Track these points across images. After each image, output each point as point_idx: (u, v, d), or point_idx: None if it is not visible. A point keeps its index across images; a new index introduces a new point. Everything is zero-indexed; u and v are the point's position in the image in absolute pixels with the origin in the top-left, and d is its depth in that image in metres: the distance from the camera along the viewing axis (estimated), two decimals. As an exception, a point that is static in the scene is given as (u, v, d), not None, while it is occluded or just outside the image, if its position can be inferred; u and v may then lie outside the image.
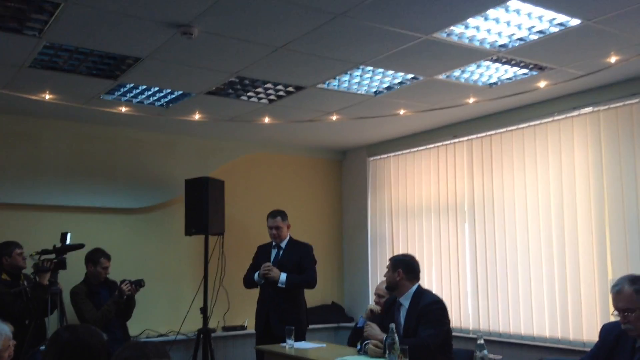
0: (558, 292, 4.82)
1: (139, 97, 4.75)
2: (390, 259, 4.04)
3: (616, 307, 2.84)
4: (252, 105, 4.95)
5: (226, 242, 5.73)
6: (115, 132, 5.72)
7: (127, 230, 5.78)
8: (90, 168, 5.58)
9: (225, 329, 6.02)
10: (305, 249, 5.08)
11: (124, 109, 4.97)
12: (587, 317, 4.60)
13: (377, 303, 4.54)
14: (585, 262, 4.65)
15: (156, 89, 4.57)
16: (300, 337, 4.67)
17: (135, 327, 5.40)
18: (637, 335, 2.79)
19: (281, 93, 4.66)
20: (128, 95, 4.70)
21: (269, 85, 4.47)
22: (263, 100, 4.84)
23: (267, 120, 5.38)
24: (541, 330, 4.92)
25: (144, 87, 4.52)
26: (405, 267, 3.91)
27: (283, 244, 5.05)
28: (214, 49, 3.71)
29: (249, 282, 5.14)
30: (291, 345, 4.25)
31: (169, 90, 4.62)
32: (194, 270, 5.95)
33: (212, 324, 5.62)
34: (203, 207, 5.32)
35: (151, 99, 4.81)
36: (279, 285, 4.86)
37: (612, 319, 2.96)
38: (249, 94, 4.68)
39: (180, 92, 4.66)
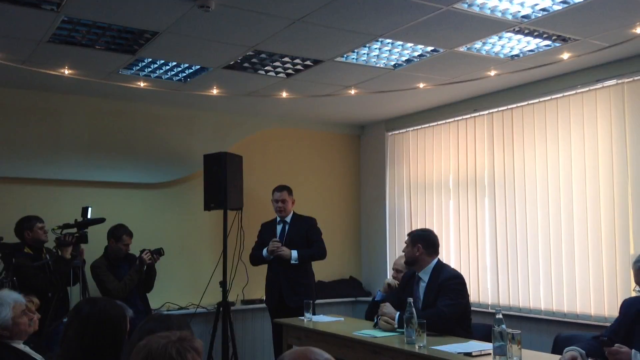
0: (578, 267, 4.78)
1: (157, 72, 4.75)
2: (409, 234, 4.03)
3: (638, 283, 2.81)
4: (270, 79, 4.92)
5: (245, 216, 5.75)
6: (134, 107, 5.74)
7: (146, 205, 5.83)
8: (109, 143, 5.61)
9: (244, 302, 6.08)
10: (310, 222, 5.19)
11: (142, 84, 4.98)
12: (609, 292, 4.56)
13: (394, 277, 4.56)
14: (607, 237, 4.60)
15: (174, 63, 4.56)
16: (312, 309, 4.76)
17: (156, 300, 5.49)
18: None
19: (299, 67, 4.62)
20: (146, 70, 4.70)
21: (286, 59, 4.43)
22: (281, 75, 4.81)
23: (284, 94, 5.35)
24: (560, 306, 4.89)
25: (162, 61, 4.52)
26: (424, 242, 3.90)
27: (288, 219, 5.16)
28: (231, 22, 3.68)
29: (256, 259, 5.24)
30: (309, 318, 4.29)
31: (186, 65, 4.61)
32: (213, 244, 5.99)
33: (231, 298, 5.68)
34: (221, 182, 5.34)
35: (169, 73, 4.81)
36: (292, 262, 4.94)
37: (634, 294, 2.93)
38: (266, 68, 4.64)
39: (198, 67, 4.64)
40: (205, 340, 5.43)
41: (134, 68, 4.65)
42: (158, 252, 5.11)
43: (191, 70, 4.74)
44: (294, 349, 1.47)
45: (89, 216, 4.78)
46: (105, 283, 4.84)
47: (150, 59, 4.45)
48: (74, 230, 4.66)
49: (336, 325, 4.17)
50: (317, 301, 6.11)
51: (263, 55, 4.35)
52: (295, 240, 5.03)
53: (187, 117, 6.02)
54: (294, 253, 4.94)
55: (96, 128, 5.56)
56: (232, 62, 4.48)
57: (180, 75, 4.85)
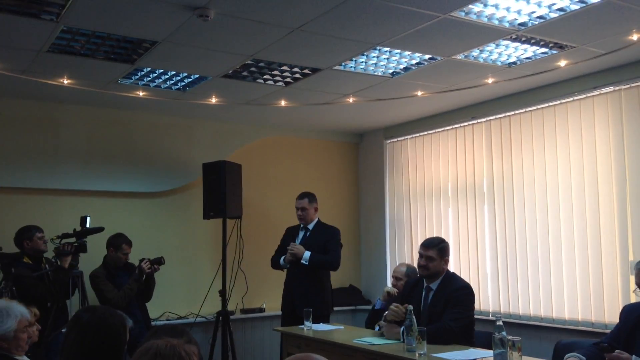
0: (579, 274, 4.78)
1: (156, 81, 4.77)
2: (434, 245, 3.83)
3: (639, 285, 2.81)
4: (269, 88, 4.94)
5: (244, 225, 5.75)
6: (133, 117, 5.75)
7: (145, 214, 5.83)
8: (108, 152, 5.62)
9: (243, 311, 6.07)
10: (331, 232, 5.13)
11: (141, 94, 4.99)
12: (609, 298, 4.55)
13: (394, 286, 4.55)
14: (607, 244, 4.60)
15: (173, 72, 4.58)
16: (324, 319, 4.76)
17: (155, 309, 5.48)
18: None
19: (297, 75, 4.64)
20: (145, 79, 4.71)
21: (285, 67, 4.45)
22: (279, 83, 4.83)
23: (283, 103, 5.36)
24: (560, 313, 4.88)
25: (161, 71, 4.53)
26: (448, 254, 3.88)
27: (310, 226, 5.12)
28: (230, 31, 3.70)
29: (275, 264, 5.24)
30: (309, 327, 4.28)
31: (185, 74, 4.62)
32: (212, 253, 5.99)
33: (230, 307, 5.67)
34: (221, 190, 5.34)
35: (168, 82, 4.82)
36: (302, 262, 4.91)
37: (633, 296, 2.93)
38: (265, 76, 4.66)
39: (197, 76, 4.66)
40: (204, 350, 5.41)
41: (133, 77, 4.66)
42: (158, 262, 5.09)
43: (190, 80, 4.75)
44: (295, 355, 1.47)
45: (87, 225, 4.78)
46: (105, 292, 4.82)
47: (149, 69, 4.46)
48: (73, 239, 4.65)
49: (336, 333, 4.16)
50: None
51: (262, 64, 4.37)
52: (313, 248, 4.96)
53: (186, 126, 6.03)
54: (306, 254, 4.93)
55: (95, 137, 5.57)
56: (231, 71, 4.50)
57: (179, 84, 4.86)
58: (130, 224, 5.51)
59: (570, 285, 4.84)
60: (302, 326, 4.35)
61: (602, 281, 4.61)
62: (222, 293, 5.45)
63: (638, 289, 2.83)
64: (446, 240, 3.98)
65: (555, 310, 4.93)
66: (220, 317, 5.37)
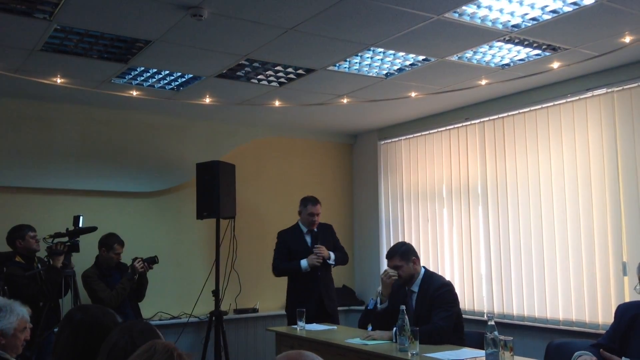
0: (572, 275, 4.79)
1: (150, 80, 4.76)
2: (395, 253, 3.89)
3: None
4: (263, 88, 4.94)
5: (237, 225, 5.75)
6: (127, 116, 5.73)
7: (138, 214, 5.82)
8: (101, 152, 5.60)
9: (237, 311, 6.06)
10: (331, 229, 5.20)
11: (134, 93, 4.98)
12: (602, 299, 4.58)
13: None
14: (600, 244, 4.62)
15: (166, 72, 4.57)
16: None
17: (147, 309, 5.47)
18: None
19: (291, 76, 4.64)
20: (139, 78, 4.70)
21: (279, 67, 4.45)
22: (273, 83, 4.83)
23: (277, 103, 5.36)
24: (555, 313, 4.90)
25: (155, 70, 4.52)
26: (414, 254, 3.90)
27: (315, 228, 5.07)
28: (224, 31, 3.70)
29: (285, 271, 5.04)
30: (302, 327, 4.28)
31: (179, 74, 4.62)
32: (205, 253, 5.99)
33: (224, 307, 5.66)
34: (214, 190, 5.34)
35: (162, 82, 4.81)
36: (330, 262, 4.94)
37: (627, 297, 2.94)
38: (259, 76, 4.66)
39: (191, 76, 4.65)
40: (197, 350, 5.42)
41: (127, 77, 4.65)
42: (152, 261, 5.08)
43: (184, 79, 4.74)
44: (286, 352, 1.48)
45: (80, 225, 4.76)
46: (98, 292, 4.81)
47: (142, 68, 4.45)
48: (66, 239, 4.64)
49: (329, 333, 4.16)
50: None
51: (256, 64, 4.37)
52: (328, 248, 5.01)
53: (180, 125, 6.02)
54: (332, 254, 4.97)
55: (88, 137, 5.55)
56: (224, 71, 4.49)
57: (172, 84, 4.85)
58: (123, 224, 5.50)
59: (564, 285, 4.86)
60: (296, 326, 4.35)
61: (596, 282, 4.63)
62: (215, 293, 5.44)
63: (639, 286, 2.83)
64: (408, 242, 4.04)
65: (549, 310, 4.95)
66: (213, 317, 5.36)
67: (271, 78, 4.70)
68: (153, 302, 5.52)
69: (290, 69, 4.49)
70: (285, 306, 5.17)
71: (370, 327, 3.95)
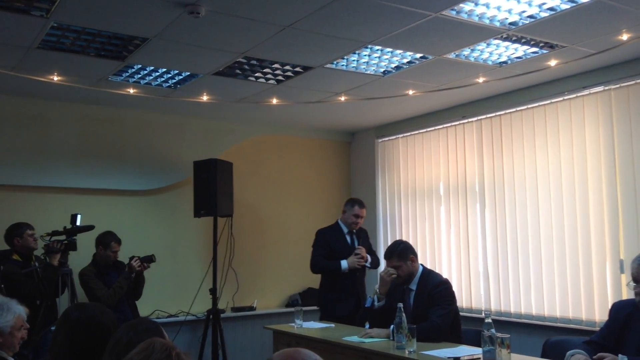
0: (569, 272, 4.80)
1: (147, 78, 4.75)
2: (393, 253, 3.89)
3: (635, 278, 2.81)
4: (260, 86, 4.93)
5: (235, 223, 5.75)
6: (124, 114, 5.72)
7: (136, 212, 5.81)
8: (99, 150, 5.59)
9: (234, 309, 6.06)
10: (366, 233, 5.22)
11: (132, 91, 4.97)
12: (599, 296, 4.58)
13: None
14: (597, 242, 4.63)
15: (164, 70, 4.56)
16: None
17: (145, 307, 5.46)
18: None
19: (289, 73, 4.64)
20: (136, 76, 4.69)
21: (276, 65, 4.44)
22: (271, 81, 4.82)
23: (275, 101, 5.36)
24: (552, 311, 4.91)
25: (152, 68, 4.51)
26: (413, 252, 3.90)
27: (355, 230, 5.06)
28: (221, 29, 3.69)
29: (324, 269, 4.97)
30: (299, 325, 4.28)
31: (176, 71, 4.61)
32: (203, 251, 5.98)
33: (221, 305, 5.66)
34: (211, 188, 5.33)
35: (159, 80, 4.80)
36: (367, 265, 4.95)
37: (624, 295, 2.94)
38: (256, 74, 4.65)
39: (188, 73, 4.64)
40: (194, 348, 5.42)
41: (124, 74, 4.64)
42: (149, 259, 5.06)
43: (181, 77, 4.73)
44: (283, 350, 1.48)
45: (78, 224, 4.75)
46: (95, 291, 4.80)
47: (140, 65, 4.44)
48: (63, 237, 4.63)
49: (326, 331, 4.17)
50: (308, 308, 6.11)
51: (253, 62, 4.36)
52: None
53: (177, 123, 6.01)
54: (368, 257, 4.97)
55: (85, 135, 5.54)
56: (222, 69, 4.49)
57: (170, 81, 4.84)
58: (120, 222, 5.49)
59: (561, 283, 4.86)
60: (293, 324, 4.35)
61: (593, 279, 4.64)
62: (213, 291, 5.44)
63: (632, 283, 2.83)
64: (405, 240, 4.05)
65: (546, 308, 4.96)
66: (211, 316, 5.36)
67: (269, 76, 4.70)
68: (150, 300, 5.51)
69: (287, 67, 4.49)
70: (319, 301, 5.10)
71: (367, 325, 3.95)
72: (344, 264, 4.83)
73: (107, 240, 4.97)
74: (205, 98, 5.21)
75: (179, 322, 5.63)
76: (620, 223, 4.50)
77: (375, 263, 5.11)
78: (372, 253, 5.13)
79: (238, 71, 4.56)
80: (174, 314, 5.73)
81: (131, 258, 4.99)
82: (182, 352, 1.61)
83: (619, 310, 2.98)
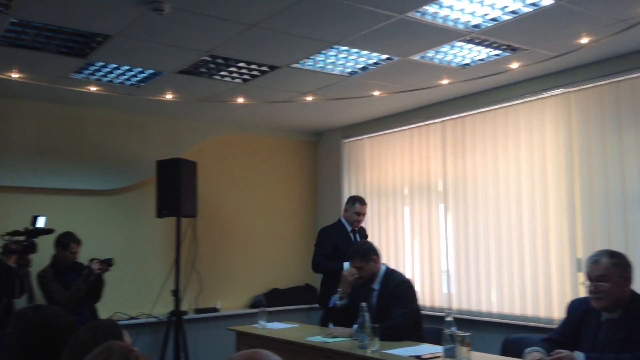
0: (529, 271, 4.90)
1: (109, 76, 4.66)
2: (356, 254, 3.90)
3: (590, 276, 2.88)
4: (226, 84, 4.89)
5: (199, 224, 5.71)
6: (85, 112, 5.61)
7: (97, 213, 5.69)
8: (59, 149, 5.47)
9: (197, 311, 6.00)
10: (365, 231, 5.22)
11: (93, 89, 4.88)
12: (558, 294, 4.68)
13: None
14: (556, 241, 4.73)
15: (126, 67, 4.49)
16: None
17: (105, 310, 5.33)
18: (602, 307, 2.85)
19: (255, 72, 4.61)
20: (97, 74, 4.61)
21: (242, 64, 4.42)
22: (237, 80, 4.79)
23: (241, 100, 5.32)
24: (512, 309, 5.00)
25: (114, 65, 4.44)
26: (376, 252, 3.92)
27: (356, 228, 5.06)
28: (186, 26, 3.65)
29: (326, 270, 4.91)
30: (263, 325, 4.26)
31: (139, 69, 4.54)
32: (165, 252, 5.89)
33: (184, 307, 5.60)
34: (175, 188, 5.27)
35: (121, 78, 4.73)
36: None
37: (580, 291, 3.00)
38: (222, 73, 4.62)
39: (152, 71, 4.58)
40: (156, 351, 5.35)
41: (85, 72, 4.55)
42: (108, 262, 4.95)
43: (144, 75, 4.67)
44: (243, 351, 1.46)
45: (39, 225, 4.63)
46: (53, 293, 4.69)
47: (102, 63, 4.37)
48: (23, 238, 4.51)
49: (290, 331, 4.16)
50: (273, 309, 6.09)
51: (219, 60, 4.32)
52: None
53: (140, 122, 5.92)
54: None
55: (46, 133, 5.41)
56: (186, 67, 4.44)
57: (132, 79, 4.77)
58: (81, 222, 5.38)
59: (520, 281, 4.95)
60: (257, 325, 4.33)
61: (551, 278, 4.74)
62: (175, 293, 5.38)
63: (588, 282, 2.90)
64: (369, 241, 4.05)
65: (506, 306, 5.04)
66: (173, 317, 5.29)
67: (234, 75, 4.67)
68: (111, 302, 5.40)
69: (254, 66, 4.46)
70: (320, 299, 5.04)
71: (331, 325, 3.95)
72: (347, 265, 4.67)
73: (66, 241, 4.86)
74: (169, 96, 5.15)
75: (140, 325, 5.54)
76: (578, 223, 4.60)
77: None
78: None
79: (203, 69, 4.52)
80: (135, 316, 5.63)
81: (91, 260, 4.88)
82: (142, 354, 1.59)
83: (576, 308, 3.05)
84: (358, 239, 5.01)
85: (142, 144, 5.91)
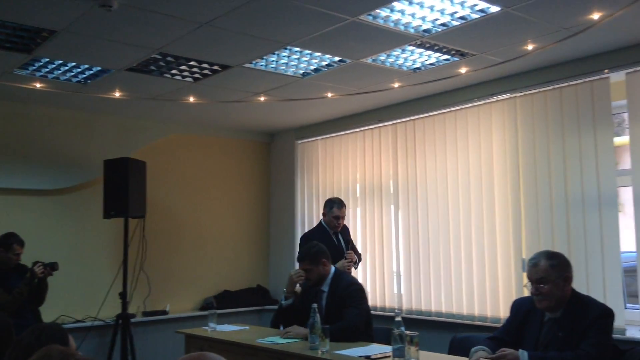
0: (476, 271, 5.01)
1: (55, 72, 4.53)
2: (306, 256, 3.91)
3: (530, 279, 2.96)
4: (176, 83, 4.82)
5: (147, 225, 5.60)
6: (30, 110, 5.43)
7: (41, 213, 5.51)
8: (2, 147, 5.28)
9: (145, 314, 5.88)
10: (349, 231, 5.15)
11: (38, 85, 4.73)
12: (504, 294, 4.80)
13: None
14: (502, 242, 4.85)
15: (73, 64, 4.37)
16: None
17: (49, 313, 5.17)
18: (546, 308, 2.93)
19: (207, 72, 4.56)
20: (43, 70, 4.47)
21: (193, 63, 4.36)
22: (188, 79, 4.72)
23: (192, 99, 5.26)
24: (460, 308, 5.10)
25: (60, 62, 4.31)
26: (326, 255, 3.92)
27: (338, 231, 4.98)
28: (135, 23, 3.57)
29: None
30: (213, 328, 4.21)
31: (87, 66, 4.43)
32: (113, 254, 5.75)
33: (131, 310, 5.49)
34: (123, 189, 5.16)
35: (68, 74, 4.60)
36: (354, 267, 4.90)
37: (525, 291, 3.08)
38: (172, 71, 4.55)
39: (99, 68, 4.47)
40: (103, 355, 5.21)
41: (30, 68, 4.41)
42: (52, 267, 4.78)
43: (92, 72, 4.55)
44: (188, 354, 1.44)
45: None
46: (-6, 296, 4.51)
47: (47, 59, 4.24)
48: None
49: (240, 334, 4.12)
50: (223, 311, 6.04)
51: (169, 59, 4.26)
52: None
53: (87, 120, 5.77)
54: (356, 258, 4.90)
55: (-13, 130, 5.21)
56: (135, 64, 4.35)
57: (80, 76, 4.64)
58: (25, 223, 5.20)
59: (468, 281, 5.06)
60: (206, 327, 4.27)
61: (498, 278, 4.86)
62: (123, 295, 5.26)
63: (529, 284, 2.98)
64: (320, 243, 4.02)
65: (454, 305, 5.14)
66: (120, 321, 5.18)
67: (185, 73, 4.60)
68: (56, 305, 5.24)
69: (205, 65, 4.41)
70: None
71: (281, 327, 3.95)
72: (332, 268, 4.76)
73: (9, 242, 4.68)
74: (117, 94, 5.03)
75: (86, 328, 5.39)
76: (523, 224, 4.74)
77: (359, 261, 5.08)
78: (355, 250, 5.10)
79: (153, 67, 4.44)
80: (81, 319, 5.48)
81: (34, 263, 4.71)
82: (85, 358, 1.56)
83: (519, 307, 3.13)
84: (341, 239, 4.95)
85: (90, 143, 5.76)
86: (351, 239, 5.18)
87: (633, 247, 4.15)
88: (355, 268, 5.08)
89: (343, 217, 4.95)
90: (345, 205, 4.99)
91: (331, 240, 4.91)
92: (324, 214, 5.01)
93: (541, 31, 3.81)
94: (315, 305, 3.43)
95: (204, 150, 6.66)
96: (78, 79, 4.70)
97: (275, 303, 6.63)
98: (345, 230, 5.13)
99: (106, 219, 5.31)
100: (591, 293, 3.84)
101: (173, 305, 6.13)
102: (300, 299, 3.96)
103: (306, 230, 6.63)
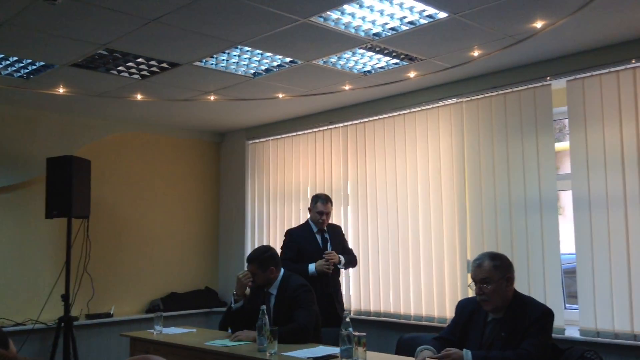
0: (423, 272, 5.09)
1: (-6, 66, 4.36)
2: (255, 259, 3.86)
3: (474, 279, 3.03)
4: (123, 80, 4.71)
5: (91, 225, 5.45)
6: (-34, 104, 5.21)
7: (-21, 212, 5.30)
8: None
9: (89, 316, 5.72)
10: (340, 230, 4.97)
11: (-24, 79, 4.54)
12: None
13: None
14: (449, 244, 4.95)
15: (15, 58, 4.22)
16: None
17: (-13, 316, 5.00)
18: (489, 308, 3.01)
19: (155, 69, 4.48)
20: (-19, 63, 4.30)
21: (141, 59, 4.27)
22: (135, 76, 4.63)
23: (139, 97, 5.15)
24: (407, 309, 5.17)
25: (1, 56, 4.16)
26: (275, 262, 3.89)
27: (325, 228, 4.79)
28: (81, 18, 3.47)
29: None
30: (159, 330, 4.14)
31: (29, 61, 4.28)
32: (55, 255, 5.58)
33: (74, 312, 5.33)
34: (66, 188, 5.01)
35: (9, 69, 4.44)
36: (339, 267, 4.72)
37: (470, 291, 3.16)
38: (119, 68, 4.44)
39: (43, 63, 4.32)
40: (44, 359, 5.03)
41: (-33, 60, 4.23)
42: None
43: (34, 67, 4.40)
44: (132, 357, 1.41)
45: None
46: None
47: (-14, 52, 4.08)
48: None
49: (187, 336, 4.06)
50: (170, 313, 5.95)
51: (116, 55, 4.16)
52: (337, 250, 4.73)
53: (29, 117, 5.57)
54: (342, 258, 4.71)
55: None
56: (81, 60, 4.23)
57: (22, 71, 4.48)
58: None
59: (415, 282, 5.14)
60: (152, 330, 4.19)
61: (444, 279, 4.95)
62: (65, 297, 5.11)
63: (473, 284, 3.05)
64: (272, 247, 3.99)
65: (402, 306, 5.21)
66: (62, 324, 5.02)
67: (132, 70, 4.50)
68: (-7, 308, 5.06)
69: (153, 62, 4.33)
70: None
71: (230, 330, 3.91)
72: (312, 268, 4.57)
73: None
74: (61, 91, 4.88)
75: (26, 331, 5.21)
76: (468, 226, 4.85)
77: (351, 263, 4.91)
78: (349, 252, 4.94)
79: (99, 64, 4.33)
80: (21, 322, 5.29)
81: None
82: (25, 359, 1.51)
83: (464, 307, 3.20)
84: (328, 241, 4.78)
85: (32, 140, 5.56)
86: (344, 240, 5.03)
87: (572, 249, 4.30)
88: (344, 269, 4.94)
89: (328, 213, 4.76)
90: (330, 201, 4.82)
91: (314, 240, 4.75)
92: (309, 210, 4.86)
93: (487, 38, 3.91)
94: (264, 307, 3.41)
95: (152, 149, 6.53)
96: (20, 74, 4.54)
97: (224, 305, 6.58)
98: (337, 231, 4.95)
99: (49, 218, 5.15)
100: (532, 293, 3.97)
101: (118, 307, 5.98)
102: (248, 301, 3.93)
103: (256, 231, 6.62)
